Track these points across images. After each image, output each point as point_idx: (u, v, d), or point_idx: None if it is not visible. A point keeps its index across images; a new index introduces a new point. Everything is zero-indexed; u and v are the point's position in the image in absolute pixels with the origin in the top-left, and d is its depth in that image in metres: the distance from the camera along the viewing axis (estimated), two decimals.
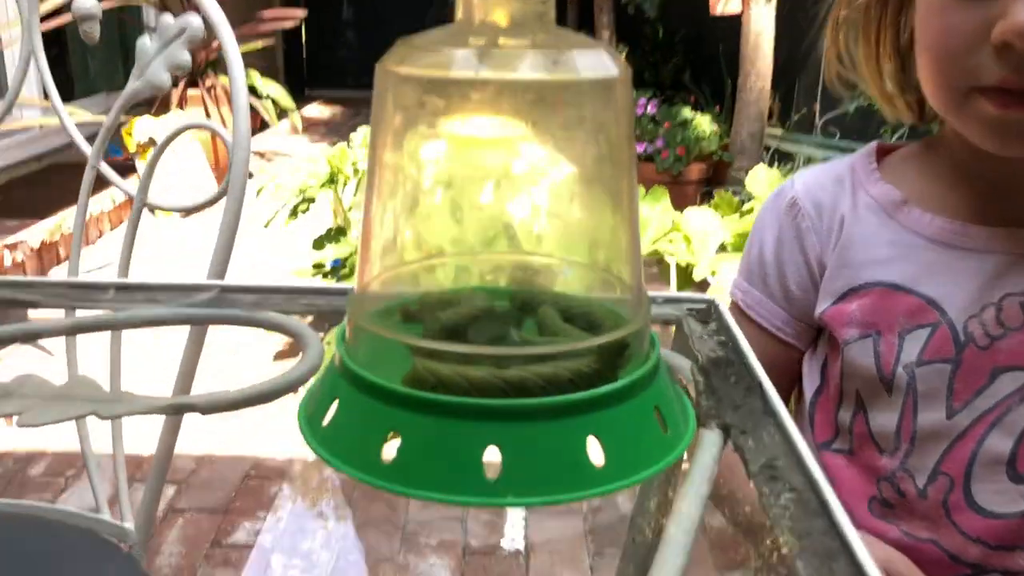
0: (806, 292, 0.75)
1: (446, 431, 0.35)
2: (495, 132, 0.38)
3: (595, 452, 0.36)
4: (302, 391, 0.45)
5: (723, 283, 2.11)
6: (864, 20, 0.72)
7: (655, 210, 2.65)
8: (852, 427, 0.71)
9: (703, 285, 2.41)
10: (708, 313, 0.55)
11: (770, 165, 3.66)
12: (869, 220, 0.72)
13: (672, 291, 2.43)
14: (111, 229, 3.97)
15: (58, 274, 3.36)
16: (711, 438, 0.41)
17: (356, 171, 2.93)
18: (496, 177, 0.42)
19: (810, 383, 0.76)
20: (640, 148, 4.55)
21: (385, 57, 0.37)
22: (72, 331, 0.52)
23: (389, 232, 0.42)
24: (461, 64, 0.35)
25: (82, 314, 0.55)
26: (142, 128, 3.90)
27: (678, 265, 2.40)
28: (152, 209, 0.98)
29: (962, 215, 0.69)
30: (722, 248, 2.42)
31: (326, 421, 0.39)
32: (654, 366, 0.39)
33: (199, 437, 2.20)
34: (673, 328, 0.55)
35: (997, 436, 0.66)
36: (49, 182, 3.85)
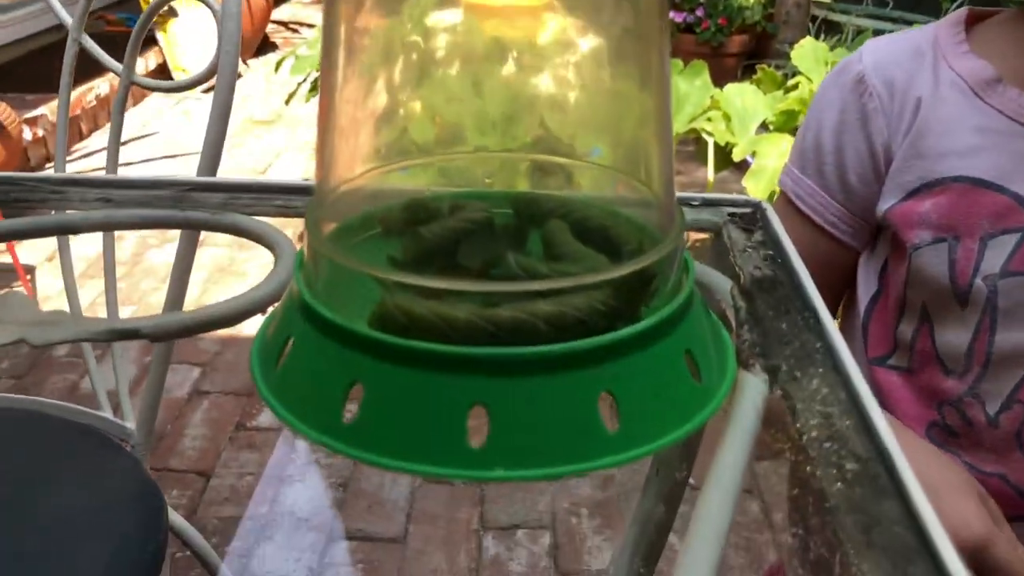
0: (867, 184, 0.66)
1: (419, 385, 0.28)
2: (485, 24, 0.29)
3: (608, 411, 0.29)
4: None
5: (764, 165, 1.99)
6: None
7: (693, 86, 2.49)
8: (914, 343, 0.63)
9: (742, 166, 2.28)
10: (753, 219, 0.46)
11: (817, 37, 3.44)
12: (952, 102, 0.61)
13: (709, 172, 2.32)
14: (134, 104, 3.87)
15: (79, 147, 3.30)
16: (753, 385, 0.33)
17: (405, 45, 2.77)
18: (499, 48, 0.34)
19: (865, 290, 0.67)
20: (678, 18, 4.30)
21: None
22: (13, 235, 0.44)
23: (360, 118, 0.34)
24: None
25: (30, 217, 0.48)
26: None
27: (716, 145, 2.27)
28: (144, 86, 0.89)
29: None
30: (764, 127, 2.28)
31: (280, 364, 0.32)
32: (687, 298, 0.31)
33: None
34: (710, 237, 0.47)
35: None
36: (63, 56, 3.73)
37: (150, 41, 3.93)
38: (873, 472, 0.29)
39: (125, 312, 2.29)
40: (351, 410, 0.29)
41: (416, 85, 0.36)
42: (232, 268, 2.45)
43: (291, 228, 0.47)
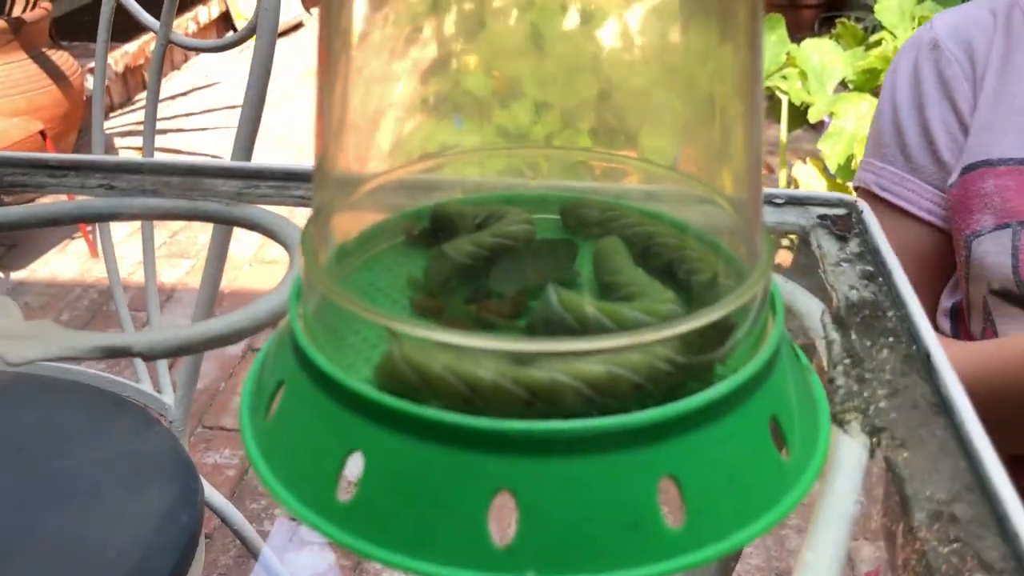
0: (954, 164, 0.58)
1: (432, 463, 0.22)
2: None
3: (671, 502, 0.23)
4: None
5: (842, 127, 1.87)
6: None
7: (768, 41, 2.36)
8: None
9: (818, 128, 2.16)
10: (848, 223, 0.39)
11: None
12: None
13: (782, 132, 2.20)
14: (196, 54, 3.85)
15: (141, 97, 3.30)
16: (851, 452, 0.27)
17: None
18: (540, 33, 0.27)
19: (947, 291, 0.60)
20: None
21: None
22: (6, 227, 0.40)
23: (373, 114, 0.28)
24: None
25: (21, 206, 0.43)
26: None
27: (791, 104, 2.15)
28: (182, 45, 0.84)
29: None
30: (843, 86, 2.15)
31: (271, 414, 0.26)
32: (774, 350, 0.25)
33: (279, 272, 2.14)
34: (796, 243, 0.40)
35: None
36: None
37: None
38: None
39: (183, 266, 2.28)
40: (351, 477, 0.24)
41: (462, 42, 0.30)
42: (294, 216, 2.42)
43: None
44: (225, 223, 0.40)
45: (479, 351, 0.22)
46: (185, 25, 3.86)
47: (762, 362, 0.24)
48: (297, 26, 4.22)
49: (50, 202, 0.42)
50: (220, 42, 0.78)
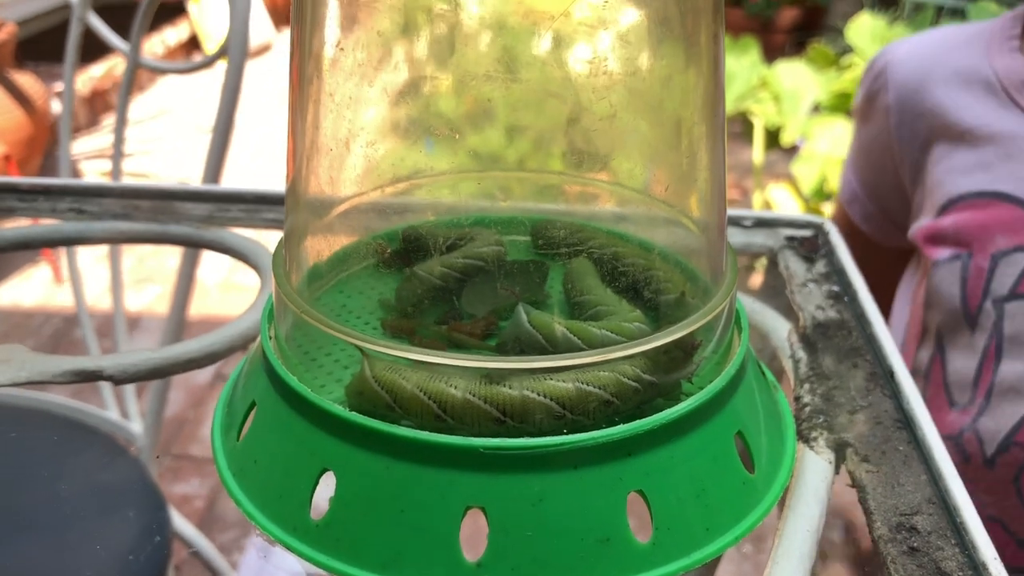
0: (894, 193, 0.60)
1: (403, 482, 0.22)
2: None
3: (639, 517, 0.23)
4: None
5: (815, 150, 1.90)
6: None
7: (741, 63, 2.40)
8: (929, 371, 0.56)
9: (792, 150, 2.19)
10: (815, 244, 0.40)
11: (873, 10, 3.31)
12: (982, 100, 0.54)
13: (755, 155, 2.22)
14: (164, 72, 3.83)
15: (107, 122, 3.27)
16: (817, 468, 0.27)
17: (430, 17, 2.70)
18: (510, 58, 0.28)
19: (899, 319, 0.61)
20: None
21: None
22: None
23: (346, 136, 0.28)
24: None
25: (10, 228, 0.43)
26: None
27: (764, 127, 2.18)
28: (151, 68, 0.84)
29: None
30: (816, 108, 2.18)
31: (242, 436, 0.26)
32: (739, 367, 0.25)
33: (249, 298, 2.13)
34: (763, 263, 0.40)
35: None
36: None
37: (180, 11, 3.89)
38: None
39: (150, 291, 2.26)
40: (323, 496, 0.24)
41: (410, 83, 0.30)
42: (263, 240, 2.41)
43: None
44: (196, 246, 0.40)
45: (450, 369, 0.23)
46: (153, 47, 3.85)
47: (728, 379, 0.25)
48: (265, 48, 4.22)
49: (18, 226, 0.42)
50: (189, 64, 0.78)
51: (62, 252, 2.33)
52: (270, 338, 0.26)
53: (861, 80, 0.63)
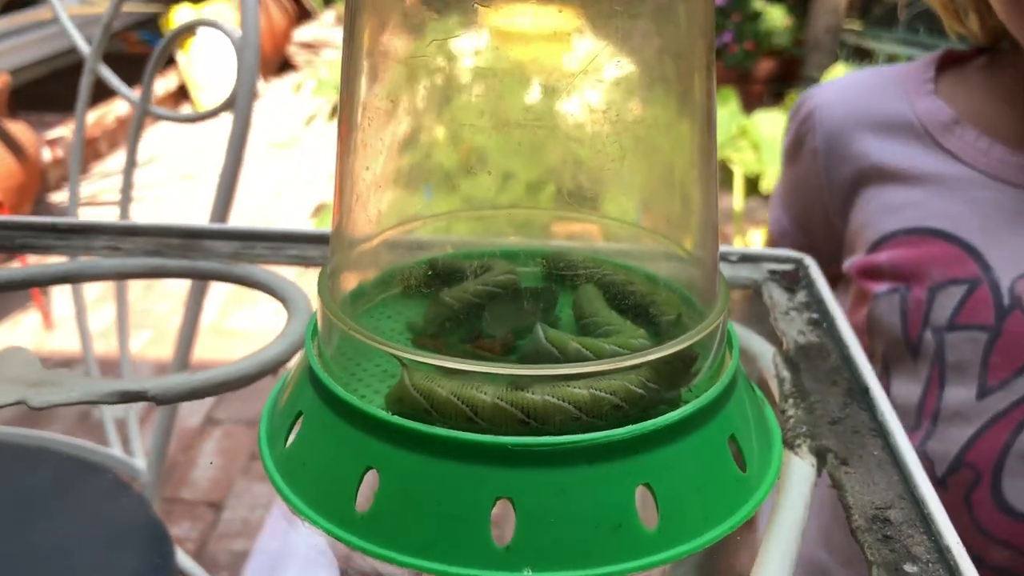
0: (820, 228, 0.64)
1: (440, 476, 0.26)
2: (515, 53, 0.27)
3: (647, 507, 0.26)
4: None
5: None
6: None
7: (721, 113, 2.47)
8: None
9: (770, 198, 2.25)
10: (796, 277, 0.44)
11: (847, 63, 3.42)
12: (908, 143, 0.58)
13: (735, 202, 2.28)
14: (153, 122, 3.89)
15: (99, 169, 3.31)
16: (800, 471, 0.31)
17: (461, 79, 2.76)
18: (520, 110, 0.31)
19: None
20: None
21: None
22: (22, 284, 0.42)
23: (377, 181, 0.32)
24: None
25: (37, 264, 0.46)
26: (182, 17, 3.77)
27: (744, 174, 2.24)
28: (159, 116, 0.88)
29: None
30: None
31: (290, 440, 0.29)
32: (731, 378, 0.29)
33: (238, 345, 2.15)
34: (749, 295, 0.44)
35: None
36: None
37: (169, 62, 3.95)
38: (932, 572, 0.26)
39: (142, 336, 2.28)
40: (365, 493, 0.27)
41: (432, 138, 0.34)
42: (251, 293, 2.44)
43: (305, 278, 0.45)
44: (226, 281, 0.43)
45: (480, 377, 0.26)
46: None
47: (721, 389, 0.28)
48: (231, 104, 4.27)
49: (60, 261, 0.45)
50: (197, 114, 0.82)
51: (52, 297, 2.34)
52: (316, 355, 0.29)
53: (788, 122, 0.67)
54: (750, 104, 2.90)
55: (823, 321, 0.40)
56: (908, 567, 0.27)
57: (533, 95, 0.31)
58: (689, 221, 0.32)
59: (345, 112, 0.30)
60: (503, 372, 0.26)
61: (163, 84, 4.00)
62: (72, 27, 0.89)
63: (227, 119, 0.79)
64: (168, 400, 0.36)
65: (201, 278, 0.44)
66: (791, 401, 0.34)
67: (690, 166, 0.31)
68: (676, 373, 0.27)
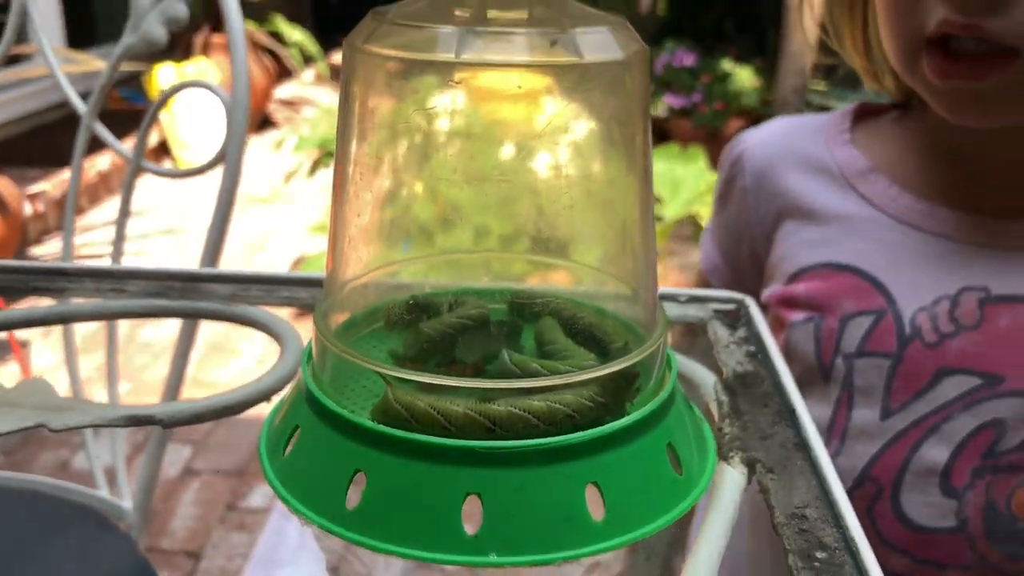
0: (746, 261, 0.70)
1: (419, 475, 0.30)
2: (485, 122, 0.32)
3: (595, 502, 0.31)
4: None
5: None
6: None
7: (689, 170, 2.56)
8: None
9: (701, 236, 2.33)
10: (737, 315, 0.49)
11: None
12: (825, 186, 0.65)
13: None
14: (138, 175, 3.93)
15: (81, 223, 3.34)
16: (733, 477, 0.35)
17: (438, 140, 2.84)
18: (489, 169, 0.36)
19: None
20: (677, 102, 4.42)
21: (355, 30, 0.31)
22: (28, 323, 0.47)
23: (365, 228, 0.37)
24: (442, 44, 0.29)
25: (42, 305, 0.51)
26: (165, 76, 3.84)
27: None
28: (152, 171, 0.93)
29: (933, 194, 0.61)
30: None
31: (287, 451, 0.34)
32: (669, 395, 0.34)
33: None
34: (696, 332, 0.49)
35: (933, 444, 0.58)
36: (73, 130, 3.82)
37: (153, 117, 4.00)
38: (839, 561, 0.31)
39: (122, 388, 2.30)
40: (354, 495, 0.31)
41: (411, 200, 0.39)
42: (227, 345, 2.47)
43: (297, 318, 0.49)
44: (224, 320, 0.48)
45: (453, 391, 0.31)
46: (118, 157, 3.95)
47: (660, 403, 0.33)
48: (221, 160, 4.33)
49: (71, 302, 0.50)
50: (188, 170, 0.87)
51: (31, 348, 2.36)
52: (311, 377, 0.34)
53: (720, 166, 0.73)
54: (717, 162, 2.99)
55: (759, 353, 0.45)
56: (819, 553, 0.31)
57: (499, 154, 0.36)
58: (632, 262, 0.37)
59: (339, 166, 0.35)
60: (472, 386, 0.31)
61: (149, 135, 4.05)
62: (67, 84, 0.94)
63: (211, 175, 0.84)
64: (174, 423, 0.40)
65: (202, 318, 0.48)
66: (727, 420, 0.39)
67: (632, 215, 0.36)
68: (620, 389, 0.32)
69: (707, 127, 4.21)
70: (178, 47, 4.32)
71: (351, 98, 0.32)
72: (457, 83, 0.30)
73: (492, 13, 0.30)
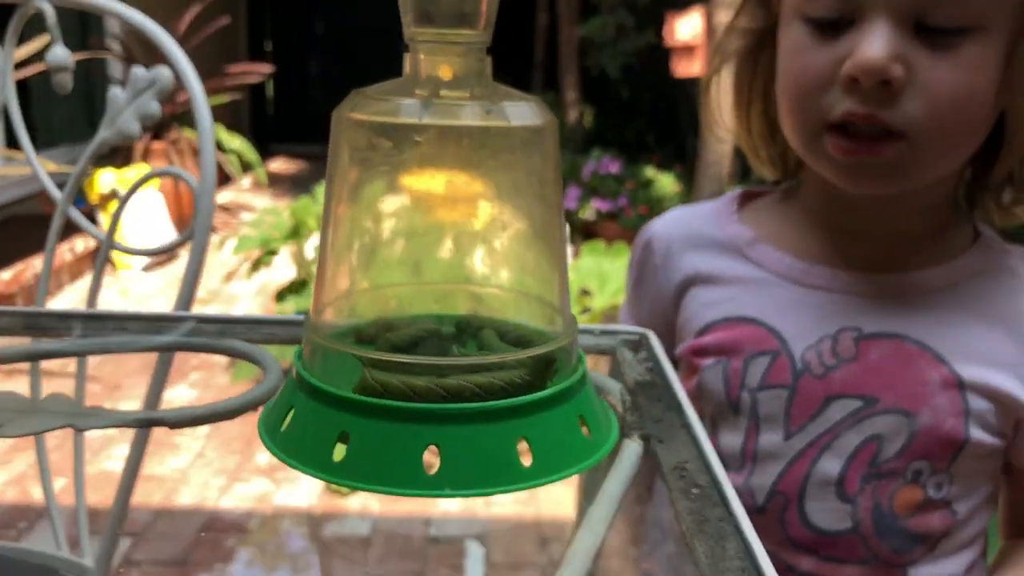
0: (659, 328, 0.82)
1: (391, 432, 0.40)
2: (439, 173, 0.43)
3: (524, 452, 0.41)
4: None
5: None
6: (736, 78, 0.79)
7: (615, 265, 2.72)
8: None
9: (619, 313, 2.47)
10: (639, 343, 0.60)
11: None
12: (721, 257, 0.78)
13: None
14: (71, 281, 3.96)
15: None
16: (632, 447, 0.46)
17: (319, 224, 2.96)
18: (440, 214, 0.47)
19: None
20: (604, 206, 4.65)
21: (341, 104, 0.42)
22: (36, 357, 0.55)
23: (344, 262, 0.47)
24: (407, 111, 0.40)
25: (50, 341, 0.59)
26: (105, 180, 3.92)
27: None
28: (125, 251, 1.01)
29: (809, 255, 0.76)
30: None
31: (284, 427, 0.43)
32: (579, 379, 0.44)
33: (155, 488, 2.19)
34: (608, 357, 0.60)
35: (828, 459, 0.71)
36: (7, 234, 3.84)
37: (90, 220, 4.06)
38: (708, 494, 0.41)
39: (57, 484, 2.29)
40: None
41: (381, 241, 0.49)
42: (168, 442, 2.49)
43: (277, 351, 0.59)
44: (215, 352, 0.57)
45: (417, 367, 0.41)
46: (62, 255, 3.99)
47: (572, 383, 0.43)
48: (172, 257, 4.40)
49: (76, 339, 0.58)
50: (160, 248, 0.97)
51: None
52: (303, 366, 0.44)
53: (632, 251, 0.87)
54: (631, 249, 3.18)
55: (655, 368, 0.56)
56: (694, 490, 0.42)
57: (450, 201, 0.47)
58: (549, 284, 0.48)
59: (326, 211, 0.45)
60: (431, 363, 0.41)
61: (81, 243, 4.09)
62: (46, 178, 1.04)
63: (157, 275, 0.93)
64: (180, 425, 0.49)
65: (193, 351, 0.57)
66: (629, 412, 0.50)
67: (549, 246, 0.47)
68: (541, 370, 0.43)
69: (633, 229, 4.42)
70: (119, 153, 4.41)
71: (337, 153, 0.43)
72: (418, 142, 0.41)
73: (443, 91, 0.41)
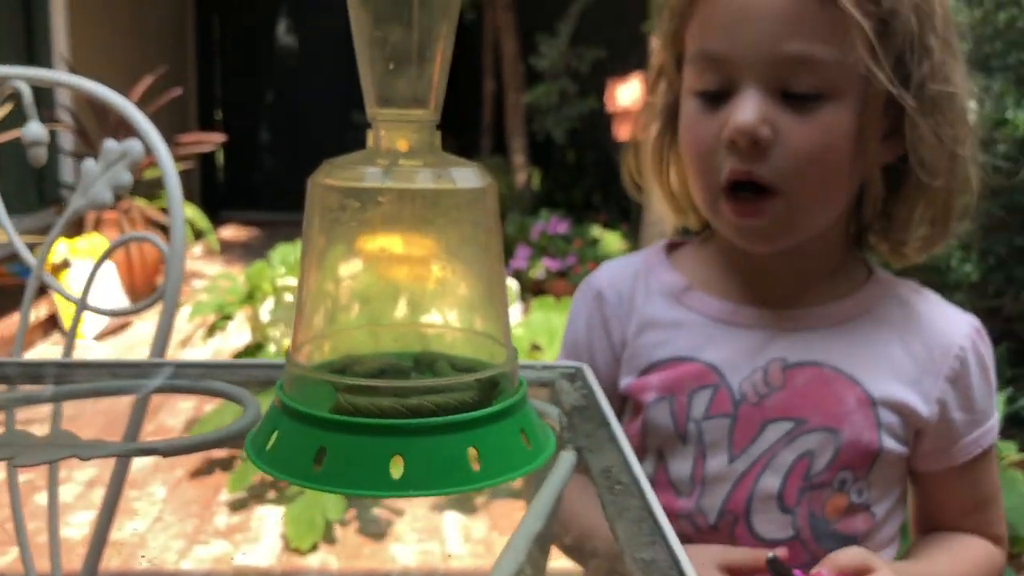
0: (612, 369, 0.90)
1: (361, 445, 0.47)
2: (398, 228, 0.52)
3: (474, 459, 0.49)
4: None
5: None
6: (653, 146, 0.90)
7: (563, 319, 2.81)
8: (654, 477, 0.85)
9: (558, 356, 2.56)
10: (575, 375, 0.69)
11: None
12: (660, 303, 0.88)
13: None
14: (24, 349, 3.94)
15: None
16: (567, 456, 0.54)
17: (274, 288, 3.04)
18: (400, 263, 0.56)
19: None
20: (553, 265, 4.77)
21: (315, 172, 0.51)
22: (25, 402, 0.62)
23: (319, 307, 0.55)
24: (371, 177, 0.49)
25: (38, 387, 0.66)
26: (59, 251, 3.94)
27: None
28: (96, 311, 1.08)
29: (735, 297, 0.86)
30: None
31: (269, 447, 0.50)
32: (521, 399, 0.52)
33: (114, 553, 2.20)
34: (548, 388, 0.68)
35: (768, 476, 0.80)
36: None
37: (42, 291, 4.05)
38: (629, 490, 0.49)
39: (11, 553, 2.29)
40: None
41: (348, 289, 0.57)
42: (128, 507, 2.50)
43: (257, 391, 0.66)
44: (197, 393, 0.64)
45: (382, 391, 0.48)
46: (10, 327, 3.97)
47: (514, 402, 0.51)
48: (124, 325, 4.39)
49: (78, 386, 0.65)
50: (134, 307, 1.03)
51: None
52: (285, 395, 0.51)
53: (576, 305, 0.95)
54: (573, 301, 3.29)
55: (589, 395, 0.64)
56: (618, 487, 0.50)
57: (406, 254, 0.55)
58: (494, 322, 0.56)
59: (302, 277, 0.53)
60: (395, 386, 0.49)
61: (32, 314, 4.08)
62: (22, 245, 1.10)
63: (109, 344, 0.99)
64: (173, 453, 0.56)
65: (176, 392, 0.64)
66: (565, 430, 0.58)
67: (491, 291, 0.56)
68: (487, 390, 0.51)
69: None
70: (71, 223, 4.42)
71: (312, 213, 0.51)
72: (381, 202, 0.49)
73: (401, 160, 0.50)
